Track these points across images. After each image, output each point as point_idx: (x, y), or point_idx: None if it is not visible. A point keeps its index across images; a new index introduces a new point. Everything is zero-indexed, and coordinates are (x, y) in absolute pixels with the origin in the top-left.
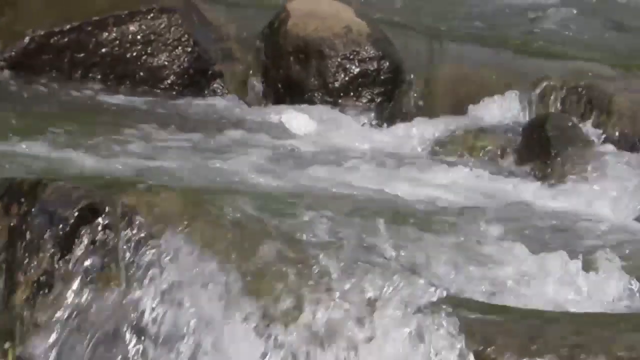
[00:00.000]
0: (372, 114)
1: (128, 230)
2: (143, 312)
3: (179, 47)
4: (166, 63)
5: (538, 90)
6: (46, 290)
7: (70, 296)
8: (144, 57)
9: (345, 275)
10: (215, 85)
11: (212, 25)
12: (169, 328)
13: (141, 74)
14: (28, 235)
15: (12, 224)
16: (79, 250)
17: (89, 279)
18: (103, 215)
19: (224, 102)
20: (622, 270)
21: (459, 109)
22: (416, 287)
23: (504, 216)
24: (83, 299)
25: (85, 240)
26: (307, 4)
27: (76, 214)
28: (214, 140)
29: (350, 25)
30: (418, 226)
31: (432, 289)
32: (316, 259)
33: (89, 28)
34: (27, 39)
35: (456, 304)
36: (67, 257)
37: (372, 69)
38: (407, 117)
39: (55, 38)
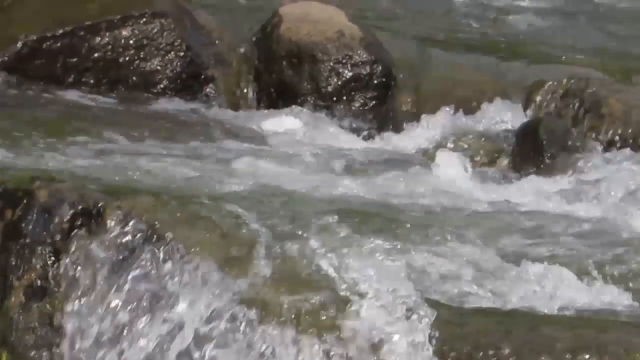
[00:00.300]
0: (365, 118)
1: (123, 234)
2: (138, 318)
3: (172, 52)
4: (159, 68)
5: (531, 95)
6: (40, 294)
7: (64, 300)
8: (136, 62)
9: (324, 280)
10: (208, 90)
11: (205, 30)
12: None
13: (134, 78)
14: (22, 240)
15: (6, 228)
16: (73, 255)
17: (82, 282)
18: (97, 219)
19: (216, 107)
20: (613, 275)
21: (452, 114)
22: (397, 292)
23: (495, 220)
24: (77, 303)
25: (80, 244)
26: (299, 8)
27: (70, 218)
28: (201, 145)
29: (342, 29)
30: (403, 230)
31: (414, 293)
32: (287, 261)
33: (82, 33)
34: (19, 44)
35: (441, 308)
36: (61, 261)
37: (364, 73)
38: (399, 122)
39: (48, 43)
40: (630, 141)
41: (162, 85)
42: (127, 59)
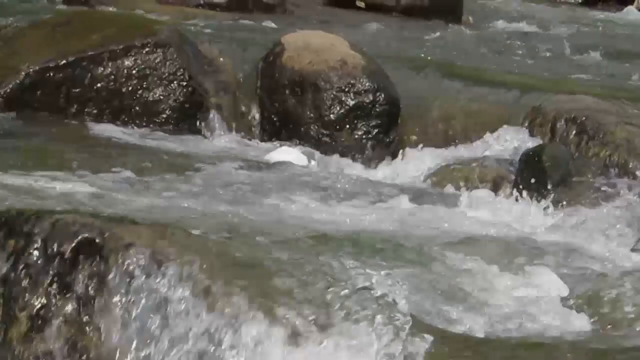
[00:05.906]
0: (368, 147)
1: (126, 264)
2: (143, 347)
3: (174, 82)
4: (161, 97)
5: (534, 122)
6: (44, 325)
7: (67, 330)
8: (139, 92)
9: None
10: (210, 119)
11: (207, 59)
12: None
13: (137, 108)
14: (25, 269)
15: (9, 258)
16: (77, 284)
17: (87, 312)
18: (101, 249)
19: (219, 136)
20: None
21: (455, 142)
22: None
23: (500, 247)
24: (80, 333)
25: (84, 274)
26: (302, 37)
27: (74, 247)
28: (203, 175)
29: (345, 58)
30: (405, 257)
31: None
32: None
33: (84, 63)
34: (22, 75)
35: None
36: (64, 291)
37: (367, 101)
38: (403, 150)
39: (51, 73)
40: (633, 168)
41: (164, 115)
42: (129, 89)
